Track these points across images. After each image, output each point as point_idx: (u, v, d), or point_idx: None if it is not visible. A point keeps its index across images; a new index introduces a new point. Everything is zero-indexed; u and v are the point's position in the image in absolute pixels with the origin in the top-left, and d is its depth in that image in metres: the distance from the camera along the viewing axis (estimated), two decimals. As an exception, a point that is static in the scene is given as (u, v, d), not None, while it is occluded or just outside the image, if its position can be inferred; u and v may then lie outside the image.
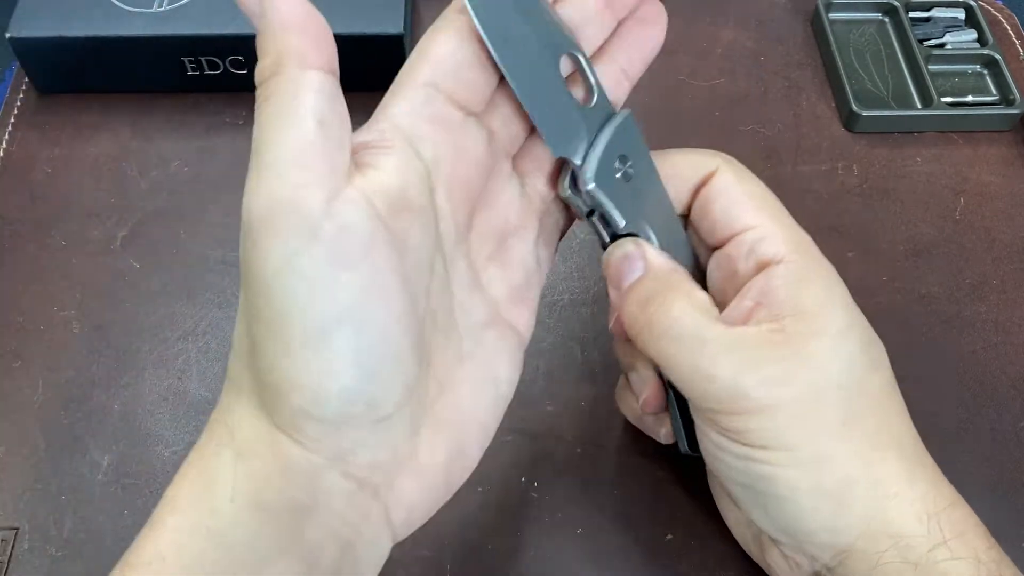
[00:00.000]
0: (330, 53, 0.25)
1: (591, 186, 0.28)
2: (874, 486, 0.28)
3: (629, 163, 0.29)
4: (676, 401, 0.33)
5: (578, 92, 0.29)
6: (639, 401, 0.34)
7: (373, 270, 0.23)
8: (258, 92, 0.24)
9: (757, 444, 0.28)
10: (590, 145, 0.28)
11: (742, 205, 0.30)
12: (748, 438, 0.28)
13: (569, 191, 0.29)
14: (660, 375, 0.33)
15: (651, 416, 0.35)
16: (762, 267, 0.30)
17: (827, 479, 0.28)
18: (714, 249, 0.32)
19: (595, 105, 0.29)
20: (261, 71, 0.24)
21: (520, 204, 0.30)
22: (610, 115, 0.29)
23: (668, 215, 0.32)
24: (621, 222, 0.29)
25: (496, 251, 0.29)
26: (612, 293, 0.31)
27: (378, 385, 0.24)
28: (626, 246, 0.30)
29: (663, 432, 0.35)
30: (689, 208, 0.32)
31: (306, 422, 0.24)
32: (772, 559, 0.32)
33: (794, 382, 0.28)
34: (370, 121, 0.27)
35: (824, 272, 0.30)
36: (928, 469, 0.29)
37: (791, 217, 0.31)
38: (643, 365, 0.34)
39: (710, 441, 0.29)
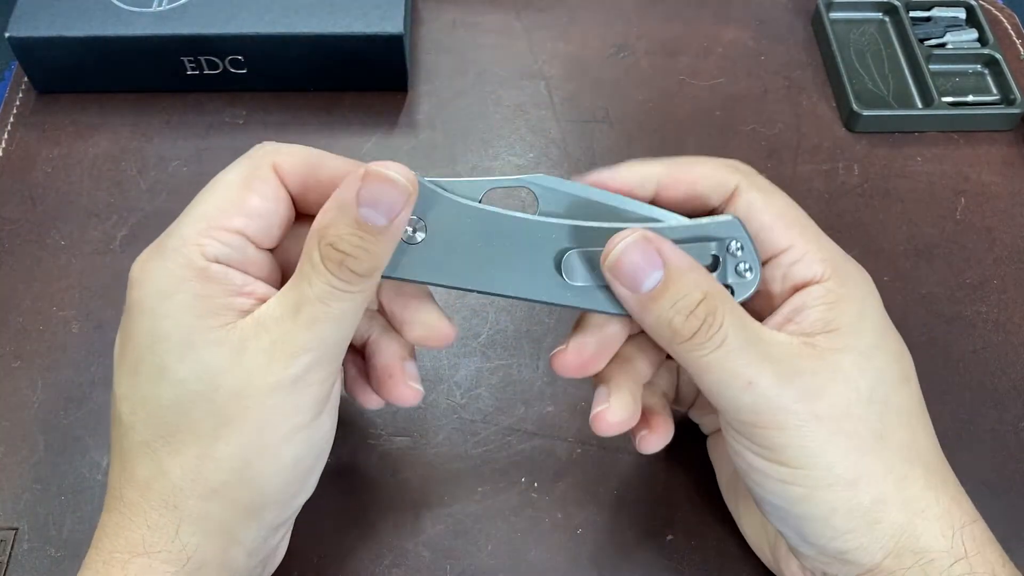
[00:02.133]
0: None
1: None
2: (905, 503, 0.28)
3: None
4: None
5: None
6: (598, 415, 0.32)
7: None
8: None
9: (794, 464, 0.28)
10: None
11: (772, 228, 0.30)
12: (785, 456, 0.28)
13: None
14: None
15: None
16: (797, 288, 0.29)
17: (863, 498, 0.28)
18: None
19: None
20: None
21: None
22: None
23: None
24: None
25: None
26: (624, 293, 0.28)
27: None
28: (638, 240, 0.28)
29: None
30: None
31: None
32: (789, 571, 0.32)
33: (827, 396, 0.28)
34: None
35: (857, 290, 0.30)
36: (950, 484, 0.29)
37: (818, 228, 0.30)
38: (625, 383, 0.32)
39: (746, 463, 0.29)
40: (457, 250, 0.29)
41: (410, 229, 0.29)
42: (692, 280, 0.28)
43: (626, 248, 0.28)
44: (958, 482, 0.30)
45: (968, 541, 0.28)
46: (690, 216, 0.30)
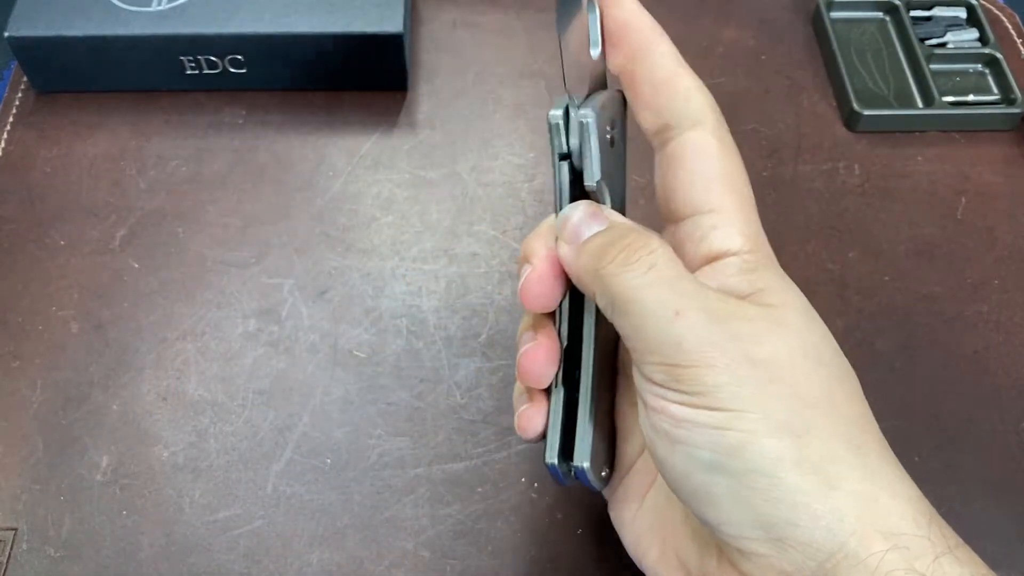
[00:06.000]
0: None
1: (589, 120, 0.27)
2: (867, 473, 0.24)
3: (615, 130, 0.29)
4: (565, 405, 0.31)
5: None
6: (523, 357, 0.30)
7: None
8: None
9: (729, 406, 0.24)
10: (589, 95, 0.28)
11: (713, 184, 0.28)
12: (717, 399, 0.24)
13: (561, 120, 0.28)
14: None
15: (527, 401, 0.31)
16: (712, 258, 0.28)
17: (811, 451, 0.24)
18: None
19: (596, 60, 0.29)
20: None
21: None
22: (603, 84, 0.29)
23: (622, 195, 0.30)
24: (597, 175, 0.28)
25: None
26: (564, 248, 0.28)
27: None
28: (587, 207, 0.28)
29: (531, 416, 0.31)
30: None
31: None
32: None
33: (767, 343, 0.25)
34: None
35: (777, 267, 0.28)
36: (907, 477, 0.25)
37: (755, 207, 0.29)
38: (543, 326, 0.31)
39: (670, 419, 0.25)
40: None
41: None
42: (627, 225, 0.28)
43: (573, 210, 0.28)
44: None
45: (947, 532, 0.24)
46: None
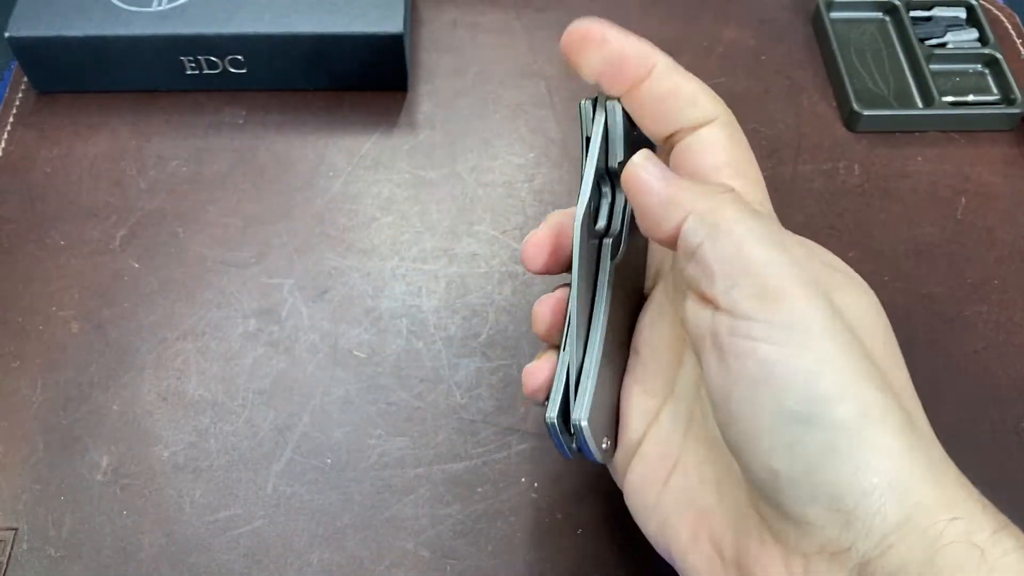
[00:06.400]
0: None
1: (616, 103, 0.30)
2: (922, 438, 0.24)
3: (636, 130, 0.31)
4: (571, 365, 0.31)
5: None
6: (535, 304, 0.32)
7: None
8: None
9: (821, 348, 0.24)
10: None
11: (722, 171, 0.29)
12: (810, 336, 0.24)
13: (589, 105, 0.30)
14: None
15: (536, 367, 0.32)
16: None
17: (891, 413, 0.24)
18: None
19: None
20: None
21: None
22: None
23: None
24: (621, 155, 0.30)
25: None
26: (651, 169, 0.28)
27: None
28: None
29: (534, 371, 0.32)
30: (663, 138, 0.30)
31: None
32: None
33: (838, 291, 0.26)
34: None
35: None
36: None
37: (764, 189, 0.30)
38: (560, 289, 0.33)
39: (756, 362, 0.24)
40: None
41: None
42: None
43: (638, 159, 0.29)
44: None
45: (997, 512, 0.24)
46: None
